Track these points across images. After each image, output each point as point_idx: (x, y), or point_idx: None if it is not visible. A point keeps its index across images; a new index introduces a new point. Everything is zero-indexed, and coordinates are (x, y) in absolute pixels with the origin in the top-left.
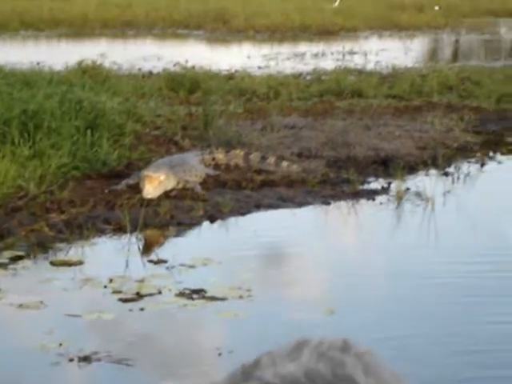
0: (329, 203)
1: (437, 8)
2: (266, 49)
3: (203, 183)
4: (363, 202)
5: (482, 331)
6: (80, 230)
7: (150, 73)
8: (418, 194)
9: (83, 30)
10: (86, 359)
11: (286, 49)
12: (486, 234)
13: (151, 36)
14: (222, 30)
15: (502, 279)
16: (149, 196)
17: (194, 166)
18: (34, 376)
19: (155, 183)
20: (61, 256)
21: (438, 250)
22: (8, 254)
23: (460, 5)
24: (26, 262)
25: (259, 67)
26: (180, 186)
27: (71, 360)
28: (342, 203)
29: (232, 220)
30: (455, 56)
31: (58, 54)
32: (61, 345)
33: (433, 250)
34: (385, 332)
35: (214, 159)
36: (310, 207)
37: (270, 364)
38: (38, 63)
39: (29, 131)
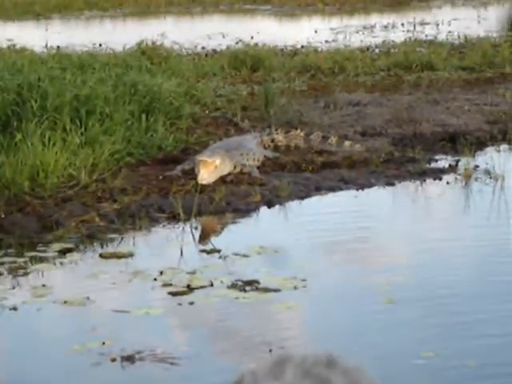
0: (393, 184)
1: None
2: (334, 22)
3: (261, 166)
4: (429, 181)
5: None
6: (132, 219)
7: (214, 51)
8: (488, 172)
9: (148, 9)
10: (128, 359)
11: (355, 21)
12: None
13: (217, 12)
14: (291, 3)
15: None
16: (204, 182)
17: (252, 149)
18: (72, 378)
19: (210, 168)
20: (111, 248)
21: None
22: (57, 246)
23: None
24: (75, 255)
25: (326, 41)
26: (237, 170)
27: (113, 360)
28: (407, 184)
29: (290, 204)
30: None
31: (121, 35)
32: (104, 343)
33: (503, 230)
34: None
35: (273, 141)
36: (373, 189)
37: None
38: (101, 45)
39: (80, 117)
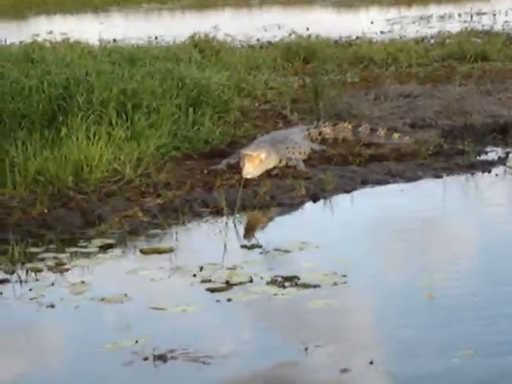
0: (441, 177)
1: None
2: (391, 13)
3: (308, 160)
4: (478, 174)
5: None
6: (176, 214)
7: (269, 43)
8: None
9: (207, 1)
10: (160, 358)
11: (412, 12)
12: None
13: (276, 4)
14: None
15: None
16: (248, 176)
17: (298, 143)
18: (102, 377)
19: (255, 162)
20: (153, 243)
21: None
22: (98, 242)
23: None
24: (116, 251)
25: (382, 32)
26: (282, 163)
27: (145, 359)
28: (455, 177)
29: (335, 198)
30: None
31: (179, 27)
32: (137, 342)
33: None
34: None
35: (320, 133)
36: (421, 182)
37: None
38: (156, 37)
39: (127, 111)
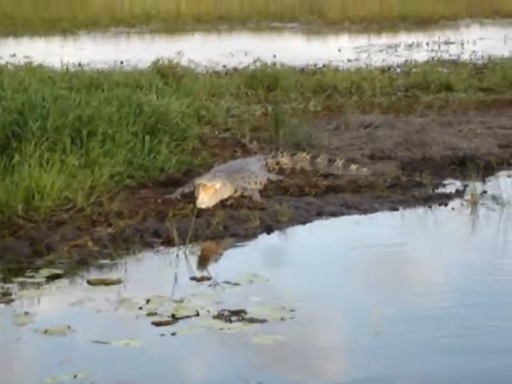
0: (397, 209)
1: None
2: (360, 41)
3: (264, 190)
4: (434, 207)
5: None
6: (126, 244)
7: (235, 69)
8: (495, 198)
9: (175, 26)
10: None
11: (380, 40)
12: None
13: (245, 30)
14: (317, 21)
15: None
16: (203, 206)
17: (254, 172)
18: None
19: (210, 192)
20: (101, 274)
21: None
22: (46, 271)
23: None
24: (63, 281)
25: (349, 60)
26: (238, 194)
27: None
28: (411, 209)
29: (290, 230)
30: None
31: (145, 52)
32: (75, 376)
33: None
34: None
35: (278, 163)
36: (376, 214)
37: None
38: (122, 62)
39: (82, 138)
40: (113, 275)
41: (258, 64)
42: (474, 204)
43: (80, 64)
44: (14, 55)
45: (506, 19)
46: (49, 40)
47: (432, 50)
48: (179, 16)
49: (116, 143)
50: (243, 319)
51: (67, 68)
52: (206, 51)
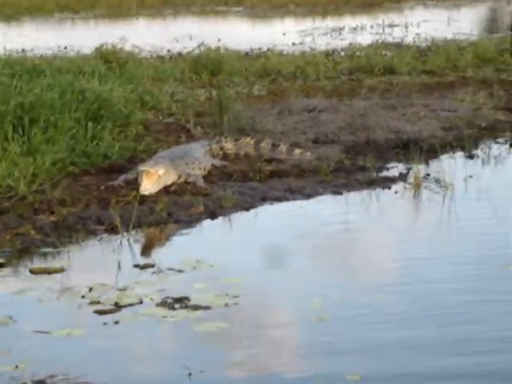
0: (340, 193)
1: None
2: (305, 24)
3: (208, 176)
4: (378, 191)
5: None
6: (69, 232)
7: (179, 54)
8: (438, 181)
9: (119, 11)
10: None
11: (324, 23)
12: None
13: (189, 14)
14: (263, 5)
15: None
16: (146, 192)
17: (198, 158)
18: None
19: (153, 178)
20: (43, 263)
21: (447, 244)
22: None
23: None
24: (5, 271)
25: (293, 44)
26: (181, 180)
27: None
28: (355, 193)
29: (234, 216)
30: (498, 26)
31: (89, 37)
32: (17, 367)
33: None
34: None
35: (222, 149)
36: (320, 198)
37: None
38: (66, 47)
39: (24, 126)
40: (55, 264)
41: (202, 48)
42: (417, 187)
43: (23, 50)
44: None
45: (450, 1)
46: None
47: (376, 33)
48: (123, 1)
49: (58, 130)
50: (187, 306)
51: (9, 54)
52: (150, 36)
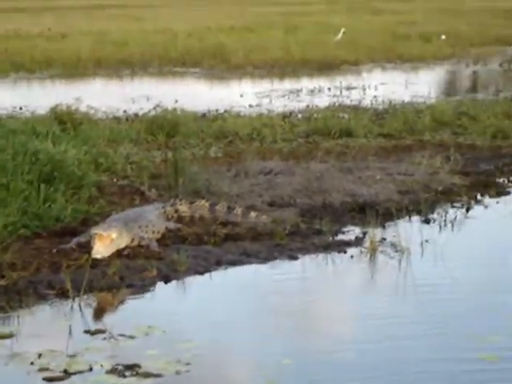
0: (296, 258)
1: (443, 37)
2: (263, 85)
3: (162, 239)
4: (333, 255)
5: None
6: (19, 296)
7: (136, 115)
8: (394, 245)
9: (76, 71)
10: None
11: (282, 85)
12: (466, 290)
13: (147, 75)
14: (220, 66)
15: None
16: (98, 256)
17: (152, 221)
18: None
19: (106, 242)
20: None
21: (401, 307)
22: None
23: (468, 33)
24: None
25: (250, 106)
26: (134, 243)
27: None
28: (310, 257)
29: (188, 280)
30: (457, 89)
31: (44, 97)
32: None
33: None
34: None
35: (177, 211)
36: (276, 263)
37: None
38: (21, 108)
39: None
40: (5, 329)
41: (158, 109)
42: (372, 251)
43: None
44: None
45: (408, 63)
46: None
47: (334, 95)
48: (80, 61)
49: (10, 192)
50: (137, 374)
51: None
52: (107, 96)
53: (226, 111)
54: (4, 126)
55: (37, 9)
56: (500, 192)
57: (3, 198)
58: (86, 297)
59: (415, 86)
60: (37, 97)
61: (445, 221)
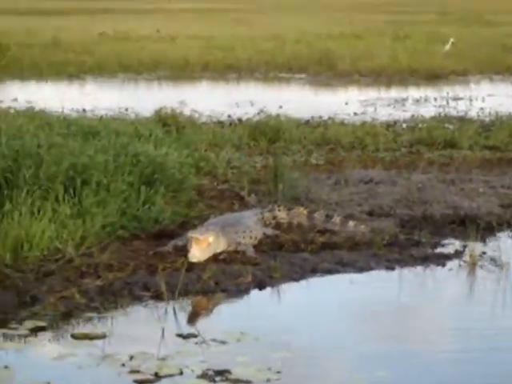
0: (393, 269)
1: (452, 40)
2: (368, 93)
3: (258, 245)
4: (432, 267)
5: None
6: (114, 297)
7: (239, 120)
8: (494, 260)
9: (183, 73)
10: None
11: (388, 94)
12: None
13: (252, 80)
14: (326, 73)
15: None
16: (194, 259)
17: (249, 227)
18: None
19: (203, 246)
20: (86, 328)
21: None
22: (30, 324)
23: None
24: (47, 335)
25: (355, 114)
26: (231, 248)
27: None
28: (408, 269)
29: (283, 287)
30: None
31: (150, 99)
32: None
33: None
34: None
35: (274, 218)
36: (372, 273)
37: None
38: (127, 109)
39: (75, 187)
40: (98, 329)
41: (262, 115)
42: (472, 265)
43: (84, 110)
44: (15, 100)
45: None
46: (55, 84)
47: (440, 106)
48: (187, 64)
49: (110, 193)
50: (227, 379)
51: (67, 114)
52: (211, 100)
53: (329, 118)
54: (107, 127)
55: (146, 10)
56: None
57: (103, 198)
58: (180, 300)
59: None
60: (143, 98)
61: None
